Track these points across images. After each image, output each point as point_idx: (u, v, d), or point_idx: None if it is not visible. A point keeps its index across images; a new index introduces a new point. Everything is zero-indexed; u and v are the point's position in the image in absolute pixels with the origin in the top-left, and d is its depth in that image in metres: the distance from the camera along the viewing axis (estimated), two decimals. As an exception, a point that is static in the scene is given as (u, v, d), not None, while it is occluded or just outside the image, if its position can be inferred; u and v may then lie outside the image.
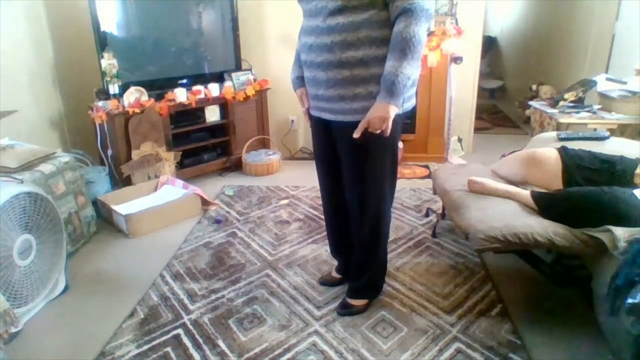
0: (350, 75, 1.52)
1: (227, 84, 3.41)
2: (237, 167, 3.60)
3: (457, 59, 3.39)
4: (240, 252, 2.41)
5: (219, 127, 3.47)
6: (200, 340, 1.76)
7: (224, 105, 3.42)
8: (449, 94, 3.56)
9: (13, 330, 1.71)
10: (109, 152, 3.01)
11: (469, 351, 1.68)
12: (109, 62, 2.86)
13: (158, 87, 3.16)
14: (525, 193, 1.89)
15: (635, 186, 1.80)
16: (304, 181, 3.34)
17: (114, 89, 2.92)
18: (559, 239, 1.64)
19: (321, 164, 1.88)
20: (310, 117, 1.81)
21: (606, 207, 1.66)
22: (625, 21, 3.45)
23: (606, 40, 3.64)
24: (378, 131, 1.52)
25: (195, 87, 3.25)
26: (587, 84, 3.16)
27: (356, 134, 1.53)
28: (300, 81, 1.80)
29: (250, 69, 3.57)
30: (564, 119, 2.92)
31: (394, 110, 1.48)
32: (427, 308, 1.92)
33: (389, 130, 1.52)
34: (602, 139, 2.28)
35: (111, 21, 2.94)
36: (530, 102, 3.49)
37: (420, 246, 2.42)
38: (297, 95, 1.84)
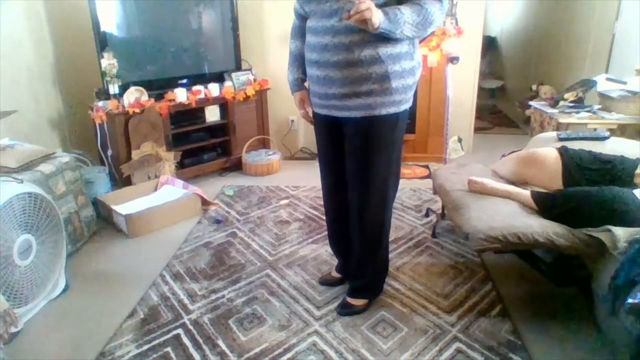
0: (366, 73, 1.54)
1: (227, 84, 3.41)
2: (237, 167, 3.60)
3: (453, 59, 3.38)
4: (240, 252, 2.41)
5: (219, 127, 3.47)
6: (200, 340, 1.76)
7: (224, 105, 3.42)
8: (447, 93, 3.56)
9: (13, 330, 1.71)
10: (109, 152, 3.01)
11: (469, 351, 1.68)
12: (109, 62, 2.86)
13: (158, 87, 3.15)
14: (525, 193, 1.89)
15: (635, 186, 1.80)
16: (304, 181, 3.34)
17: (114, 89, 2.92)
18: (559, 239, 1.64)
19: (325, 163, 1.88)
20: (315, 117, 1.80)
21: (606, 207, 1.66)
22: (625, 21, 3.45)
23: (606, 40, 3.64)
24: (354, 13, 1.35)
25: (195, 87, 3.25)
26: (587, 84, 3.16)
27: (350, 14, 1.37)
28: (300, 83, 1.80)
29: (250, 69, 3.57)
30: (564, 119, 2.92)
31: (377, 18, 1.37)
32: (427, 308, 1.92)
33: (360, 15, 1.35)
34: (602, 139, 2.28)
35: (111, 21, 2.94)
36: (530, 102, 3.50)
37: (420, 246, 2.42)
38: (295, 98, 1.84)
